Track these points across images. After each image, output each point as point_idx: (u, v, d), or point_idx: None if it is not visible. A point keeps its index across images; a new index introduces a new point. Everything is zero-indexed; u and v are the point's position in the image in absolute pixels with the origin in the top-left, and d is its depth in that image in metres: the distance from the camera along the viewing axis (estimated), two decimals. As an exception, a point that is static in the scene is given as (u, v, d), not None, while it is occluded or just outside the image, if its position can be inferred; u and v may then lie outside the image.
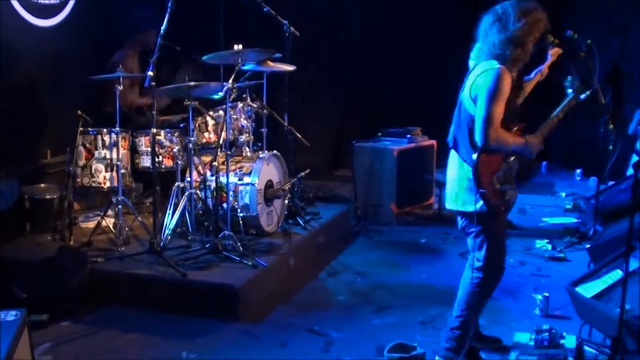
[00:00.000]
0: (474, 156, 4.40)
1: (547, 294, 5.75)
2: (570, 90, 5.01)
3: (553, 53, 7.09)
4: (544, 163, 11.38)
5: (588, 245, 6.79)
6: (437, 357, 4.81)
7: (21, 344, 3.93)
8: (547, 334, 5.13)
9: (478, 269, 4.69)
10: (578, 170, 10.64)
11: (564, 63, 5.55)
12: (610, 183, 7.95)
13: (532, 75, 7.23)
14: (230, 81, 6.25)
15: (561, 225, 8.25)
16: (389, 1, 10.32)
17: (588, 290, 5.11)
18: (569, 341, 5.11)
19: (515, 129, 4.55)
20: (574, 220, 8.41)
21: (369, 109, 10.45)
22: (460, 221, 4.72)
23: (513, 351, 4.98)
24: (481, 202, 4.44)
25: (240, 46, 6.38)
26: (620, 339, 4.43)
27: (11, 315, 3.99)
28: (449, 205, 4.71)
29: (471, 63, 4.63)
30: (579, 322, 5.11)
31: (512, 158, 4.54)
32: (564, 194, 9.74)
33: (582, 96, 7.22)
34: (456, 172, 4.61)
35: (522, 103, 5.37)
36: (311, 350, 5.08)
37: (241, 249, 6.14)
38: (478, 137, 4.37)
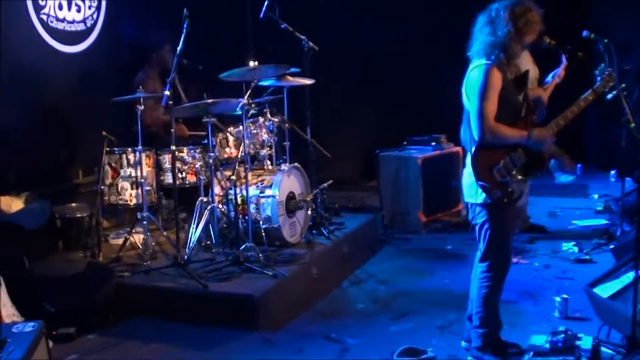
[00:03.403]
0: (476, 149, 4.58)
1: (566, 296, 5.74)
2: (599, 78, 5.02)
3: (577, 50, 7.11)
4: (579, 166, 11.32)
5: (612, 246, 6.77)
6: (469, 357, 4.93)
7: (39, 355, 4.08)
8: (562, 335, 5.12)
9: (482, 260, 4.81)
10: (612, 172, 10.56)
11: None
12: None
13: (550, 78, 7.28)
14: (246, 97, 6.39)
15: (591, 227, 8.21)
16: (411, 7, 10.42)
17: (606, 290, 5.12)
18: (586, 342, 5.06)
19: (528, 120, 4.67)
20: (604, 221, 8.36)
21: (399, 118, 10.52)
22: (470, 213, 4.85)
23: (527, 354, 4.97)
24: (484, 195, 4.59)
25: (256, 63, 6.53)
26: (634, 338, 4.44)
27: (29, 326, 4.15)
28: (464, 197, 4.88)
29: (470, 59, 4.75)
30: (598, 323, 5.13)
31: (518, 150, 4.62)
32: (596, 196, 9.69)
33: (609, 96, 7.22)
34: (466, 166, 4.76)
35: (548, 103, 5.42)
36: (326, 356, 5.16)
37: (263, 259, 6.27)
38: (474, 133, 4.53)
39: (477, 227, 4.79)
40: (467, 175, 4.72)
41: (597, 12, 11.00)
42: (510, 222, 4.83)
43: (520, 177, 4.64)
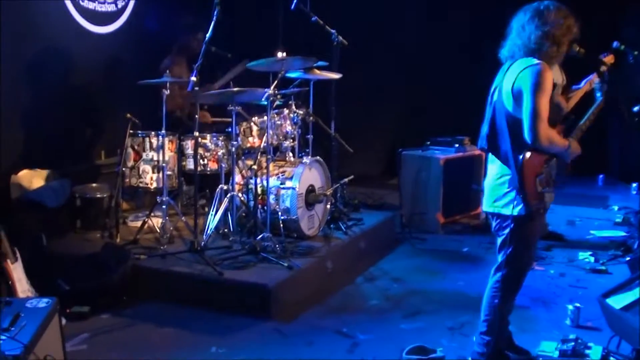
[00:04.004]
0: (524, 156, 4.35)
1: (578, 305, 5.74)
2: (599, 94, 5.01)
3: (606, 62, 7.09)
4: (601, 176, 11.28)
5: (628, 258, 6.76)
6: (469, 358, 4.92)
7: (51, 331, 4.09)
8: (572, 344, 5.13)
9: (499, 270, 4.72)
10: (634, 185, 10.51)
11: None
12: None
13: (582, 84, 7.24)
14: (272, 88, 6.41)
15: (608, 238, 8.19)
16: (443, 6, 10.42)
17: (619, 301, 5.10)
18: (595, 352, 5.07)
19: (558, 130, 4.55)
20: (623, 233, 8.33)
21: (424, 118, 10.54)
22: (494, 223, 4.71)
23: (536, 360, 5.01)
24: (520, 206, 4.44)
25: (284, 54, 6.56)
26: (644, 351, 4.45)
27: (43, 302, 4.18)
28: (485, 207, 4.72)
29: (504, 59, 4.62)
30: (609, 333, 5.12)
31: (553, 160, 4.55)
32: (616, 207, 9.65)
33: (636, 108, 7.20)
34: (494, 173, 4.61)
35: (572, 112, 5.38)
36: (336, 350, 5.19)
37: (279, 250, 6.30)
38: (528, 135, 4.31)
39: (500, 238, 4.66)
40: (496, 185, 4.58)
41: (628, 28, 10.93)
42: (536, 235, 4.75)
43: (551, 187, 4.59)
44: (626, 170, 11.11)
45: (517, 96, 4.40)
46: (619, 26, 10.89)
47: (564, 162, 4.67)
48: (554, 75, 7.11)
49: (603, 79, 5.25)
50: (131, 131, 6.72)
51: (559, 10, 4.45)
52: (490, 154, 4.67)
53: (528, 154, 4.36)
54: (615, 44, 6.70)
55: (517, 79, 4.40)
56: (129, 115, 6.68)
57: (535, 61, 4.40)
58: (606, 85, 5.06)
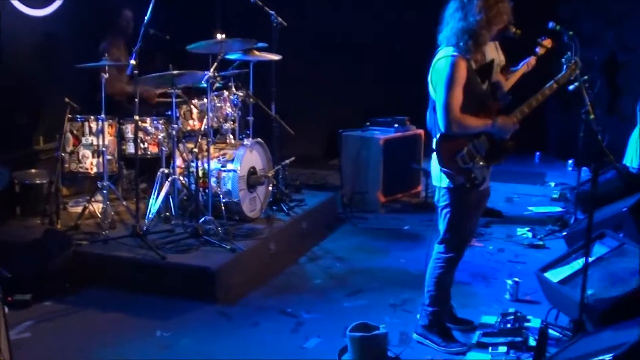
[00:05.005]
0: (436, 138, 4.66)
1: (517, 279, 5.87)
2: (565, 67, 5.14)
3: (543, 45, 7.22)
4: (538, 154, 11.49)
5: (565, 233, 6.91)
6: (413, 334, 5.05)
7: (-7, 320, 4.07)
8: (512, 317, 5.25)
9: (440, 242, 4.92)
10: (570, 161, 10.73)
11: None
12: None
13: (519, 65, 7.36)
14: (212, 70, 6.40)
15: (545, 214, 8.36)
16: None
17: (556, 275, 5.25)
18: (534, 324, 5.20)
19: (493, 107, 4.76)
20: (559, 209, 8.52)
21: (364, 98, 10.59)
22: (436, 195, 4.96)
23: (477, 332, 5.10)
24: (447, 180, 4.69)
25: (223, 36, 6.54)
26: (581, 322, 4.56)
27: (-17, 291, 4.14)
28: (432, 181, 4.97)
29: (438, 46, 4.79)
30: (547, 306, 5.27)
31: (481, 137, 4.72)
32: (553, 184, 9.85)
33: (571, 87, 7.34)
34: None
35: (510, 91, 5.50)
36: (281, 330, 5.24)
37: (221, 233, 6.30)
38: (440, 124, 4.61)
39: (439, 209, 4.89)
40: (434, 160, 4.79)
41: (564, 6, 11.15)
42: (471, 207, 4.90)
43: (482, 163, 4.72)
44: (562, 147, 11.32)
45: (434, 86, 4.68)
46: (556, 6, 11.09)
47: (505, 143, 4.82)
48: (491, 55, 7.24)
49: (573, 53, 5.36)
50: (70, 116, 6.66)
51: (484, 0, 4.56)
52: None
53: (443, 135, 4.64)
54: (550, 24, 6.81)
55: (432, 69, 4.69)
56: (67, 99, 6.60)
57: (450, 53, 4.61)
58: (576, 59, 5.19)
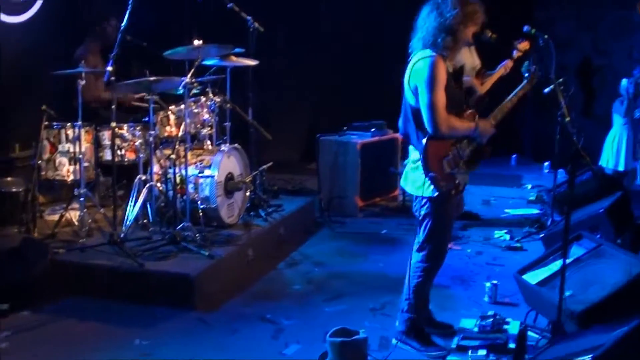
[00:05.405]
0: (423, 141, 4.55)
1: (495, 282, 5.89)
2: (526, 75, 5.17)
3: (520, 48, 7.28)
4: (514, 156, 11.56)
5: (542, 235, 6.95)
6: (393, 340, 5.03)
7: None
8: (491, 319, 5.27)
9: (420, 250, 4.88)
10: (546, 164, 10.80)
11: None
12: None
13: (497, 69, 7.39)
14: (189, 76, 6.39)
15: (523, 216, 8.41)
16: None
17: (534, 277, 5.28)
18: (513, 327, 5.24)
19: (468, 112, 4.73)
20: (536, 211, 8.57)
21: (342, 103, 10.60)
22: (414, 203, 4.89)
23: (456, 336, 5.11)
24: (432, 187, 4.61)
25: (200, 42, 6.53)
26: (559, 323, 4.58)
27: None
28: (407, 189, 4.90)
29: (411, 53, 4.74)
30: (526, 308, 5.31)
31: (464, 142, 4.71)
32: (529, 186, 9.91)
33: (546, 90, 7.40)
34: (413, 158, 4.76)
35: (487, 94, 5.53)
36: (261, 337, 5.22)
37: (199, 240, 6.28)
38: (428, 127, 4.52)
39: (419, 219, 4.82)
40: (413, 168, 4.74)
41: (540, 9, 11.25)
42: (451, 214, 4.90)
43: (464, 168, 4.73)
44: (538, 149, 11.39)
45: (413, 88, 4.59)
46: (531, 9, 11.18)
47: (483, 148, 4.84)
48: (467, 59, 7.32)
49: (531, 62, 5.42)
50: (46, 123, 6.60)
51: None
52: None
53: (429, 139, 4.55)
54: (525, 28, 6.86)
55: (411, 72, 4.61)
56: (44, 107, 6.55)
57: (428, 54, 4.57)
58: (535, 68, 5.23)
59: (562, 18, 11.32)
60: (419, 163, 4.63)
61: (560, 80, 6.91)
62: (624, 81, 8.74)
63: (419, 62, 4.57)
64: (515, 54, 7.18)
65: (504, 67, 7.36)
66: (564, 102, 6.84)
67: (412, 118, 4.64)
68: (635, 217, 6.71)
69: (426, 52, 4.57)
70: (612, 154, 8.94)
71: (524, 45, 7.09)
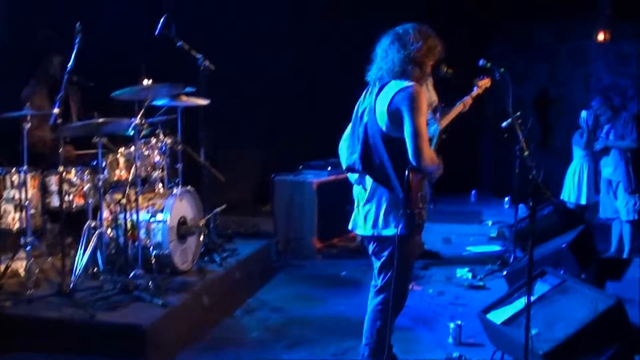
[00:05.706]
0: (409, 175, 4.31)
1: (459, 322, 5.79)
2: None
3: (481, 85, 7.21)
4: (473, 192, 11.51)
5: (505, 272, 6.84)
6: None
7: None
8: (457, 362, 5.16)
9: (380, 292, 4.69)
10: (506, 199, 10.75)
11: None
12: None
13: (456, 105, 7.30)
14: (139, 117, 6.20)
15: (484, 253, 8.34)
16: (312, 30, 10.42)
17: (499, 316, 5.18)
18: (480, 368, 5.14)
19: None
20: (498, 248, 8.50)
21: (296, 142, 10.47)
22: (371, 246, 4.67)
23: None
24: (401, 225, 4.38)
25: (150, 81, 6.35)
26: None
27: None
28: (361, 231, 4.64)
29: (372, 82, 4.59)
30: (492, 348, 5.20)
31: (426, 177, 4.53)
32: (490, 222, 9.85)
33: (504, 124, 7.33)
34: (365, 196, 4.54)
35: (446, 130, 5.40)
36: (218, 388, 5.02)
37: (152, 288, 6.04)
38: (413, 157, 4.30)
39: (380, 261, 4.62)
40: (375, 206, 4.50)
41: (495, 43, 11.30)
42: (415, 254, 4.77)
43: (425, 205, 4.55)
44: (498, 184, 11.38)
45: (392, 117, 4.37)
46: (487, 43, 11.22)
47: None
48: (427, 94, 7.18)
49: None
50: (-11, 169, 6.35)
51: (418, 32, 4.50)
52: (359, 176, 4.63)
53: (412, 173, 4.33)
54: (481, 61, 6.81)
55: (392, 100, 4.38)
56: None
57: (407, 83, 4.41)
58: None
59: (517, 50, 11.39)
60: (382, 200, 4.45)
61: (518, 113, 6.87)
62: (584, 113, 8.68)
63: (400, 91, 4.38)
64: (476, 90, 7.09)
65: (463, 104, 7.23)
66: (522, 135, 6.80)
67: (386, 149, 4.41)
68: (599, 251, 6.65)
69: (403, 82, 4.41)
70: (574, 188, 8.89)
71: (484, 82, 7.02)
